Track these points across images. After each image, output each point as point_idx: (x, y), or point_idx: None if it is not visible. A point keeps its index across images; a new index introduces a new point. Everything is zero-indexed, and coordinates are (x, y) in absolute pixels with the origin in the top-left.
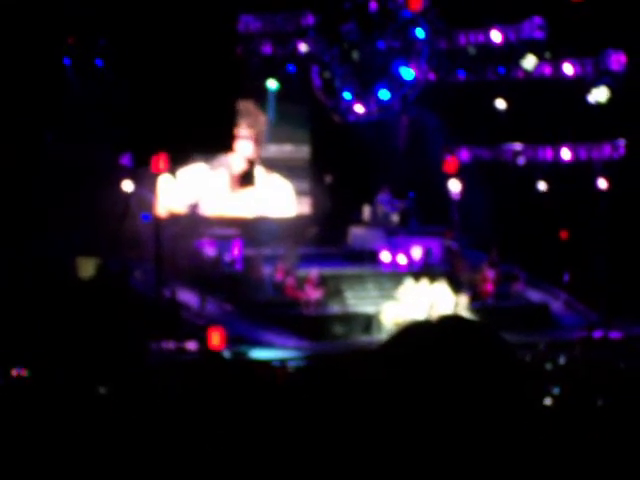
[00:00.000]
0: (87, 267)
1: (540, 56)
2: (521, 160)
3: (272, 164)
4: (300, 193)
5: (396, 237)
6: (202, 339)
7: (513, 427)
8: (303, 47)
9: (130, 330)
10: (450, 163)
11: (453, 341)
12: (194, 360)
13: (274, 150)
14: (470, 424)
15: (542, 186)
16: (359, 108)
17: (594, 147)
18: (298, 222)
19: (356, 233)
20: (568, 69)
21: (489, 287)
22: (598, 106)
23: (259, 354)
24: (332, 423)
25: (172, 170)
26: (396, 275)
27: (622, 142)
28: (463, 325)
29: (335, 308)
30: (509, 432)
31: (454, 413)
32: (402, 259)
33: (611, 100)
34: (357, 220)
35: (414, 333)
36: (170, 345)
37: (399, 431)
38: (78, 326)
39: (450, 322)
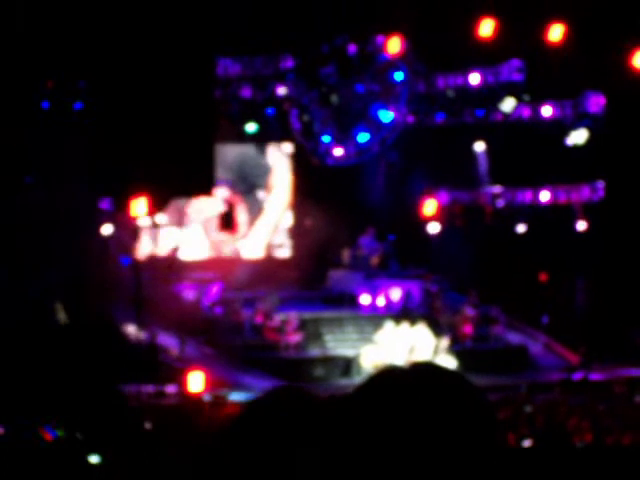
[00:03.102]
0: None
1: (519, 99)
2: (500, 202)
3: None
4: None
5: (375, 280)
6: (181, 382)
7: (479, 473)
8: (282, 90)
9: (109, 374)
10: (428, 206)
11: (423, 388)
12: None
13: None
14: (438, 472)
15: (521, 228)
16: (338, 151)
17: (573, 189)
18: (277, 265)
19: (335, 276)
20: (547, 111)
21: (468, 329)
22: (577, 148)
23: (238, 397)
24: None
25: (151, 214)
26: (375, 318)
27: (601, 184)
28: (434, 372)
29: (314, 351)
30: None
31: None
32: (381, 301)
33: (590, 142)
34: (337, 263)
35: (384, 380)
36: (149, 388)
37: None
38: (56, 370)
39: (421, 369)
